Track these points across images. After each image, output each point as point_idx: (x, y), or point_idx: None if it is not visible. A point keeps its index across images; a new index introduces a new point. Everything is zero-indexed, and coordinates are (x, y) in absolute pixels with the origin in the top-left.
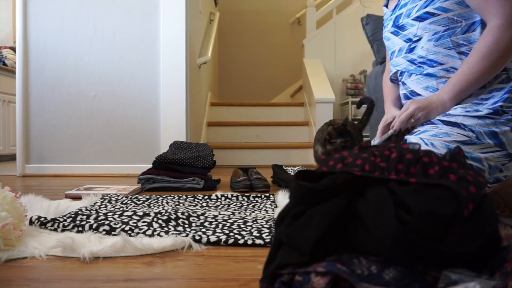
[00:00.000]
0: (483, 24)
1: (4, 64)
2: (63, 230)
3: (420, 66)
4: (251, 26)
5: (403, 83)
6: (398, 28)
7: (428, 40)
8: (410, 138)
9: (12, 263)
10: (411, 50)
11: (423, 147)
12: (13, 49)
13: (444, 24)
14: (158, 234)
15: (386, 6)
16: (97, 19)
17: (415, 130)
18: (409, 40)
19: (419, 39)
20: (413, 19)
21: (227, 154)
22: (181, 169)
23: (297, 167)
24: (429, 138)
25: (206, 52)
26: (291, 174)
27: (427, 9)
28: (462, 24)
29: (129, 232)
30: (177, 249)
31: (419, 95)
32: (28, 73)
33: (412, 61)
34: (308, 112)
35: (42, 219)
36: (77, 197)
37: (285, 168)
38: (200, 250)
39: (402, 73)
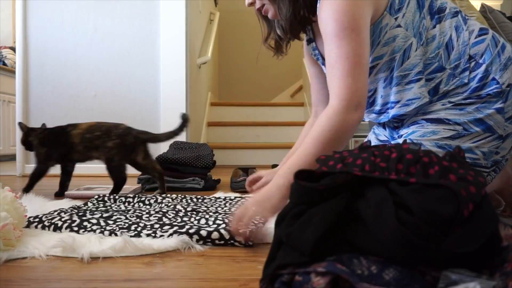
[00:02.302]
0: (415, 46)
1: (4, 64)
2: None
3: (386, 112)
4: (251, 26)
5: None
6: None
7: (384, 88)
8: (399, 141)
9: (12, 263)
10: (371, 104)
11: None
12: (13, 49)
13: (386, 68)
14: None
15: (324, 62)
16: (97, 19)
17: (402, 133)
18: None
19: (374, 91)
20: None
21: (227, 154)
22: (181, 169)
23: None
24: (417, 139)
25: (206, 52)
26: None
27: None
28: (397, 57)
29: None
30: (178, 249)
31: (404, 115)
32: (28, 73)
33: (378, 112)
34: (308, 112)
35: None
36: (77, 197)
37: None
38: (201, 250)
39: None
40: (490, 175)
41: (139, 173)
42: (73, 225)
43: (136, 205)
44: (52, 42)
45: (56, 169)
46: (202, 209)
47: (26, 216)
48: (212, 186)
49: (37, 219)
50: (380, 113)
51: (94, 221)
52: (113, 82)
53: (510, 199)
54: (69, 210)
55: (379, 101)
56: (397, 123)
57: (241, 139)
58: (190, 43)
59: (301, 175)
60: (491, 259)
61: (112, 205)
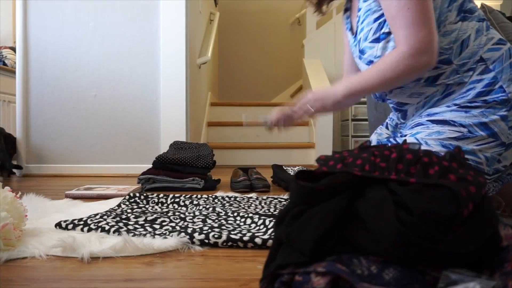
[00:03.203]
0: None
1: (4, 64)
2: (89, 230)
3: None
4: (251, 26)
5: (387, 99)
6: (360, 52)
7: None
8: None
9: (12, 263)
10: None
11: None
12: (13, 49)
13: None
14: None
15: (351, 30)
16: (97, 19)
17: (406, 133)
18: (371, 62)
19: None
20: (370, 42)
21: (227, 154)
22: (181, 169)
23: (297, 167)
24: (423, 137)
25: (206, 52)
26: (291, 174)
27: (382, 31)
28: None
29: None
30: (178, 249)
31: (406, 104)
32: (28, 73)
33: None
34: None
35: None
36: (77, 197)
37: (285, 168)
38: (201, 250)
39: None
40: (493, 185)
41: (139, 173)
42: (121, 230)
43: (171, 206)
44: (52, 42)
45: (56, 169)
46: (242, 211)
47: (26, 216)
48: (212, 186)
49: (81, 222)
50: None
51: (140, 224)
52: (113, 82)
53: (510, 199)
54: (109, 214)
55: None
56: (400, 114)
57: (241, 139)
58: (190, 43)
59: (301, 175)
60: (491, 259)
61: (147, 206)
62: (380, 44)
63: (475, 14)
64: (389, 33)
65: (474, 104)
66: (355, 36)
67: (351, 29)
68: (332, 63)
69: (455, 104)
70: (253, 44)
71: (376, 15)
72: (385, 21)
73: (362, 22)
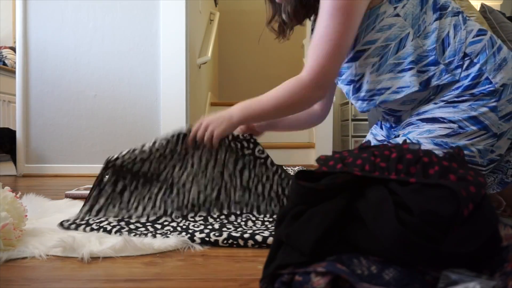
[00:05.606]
0: (411, 36)
1: (4, 64)
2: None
3: (371, 99)
4: (251, 26)
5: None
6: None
7: (370, 73)
8: (396, 139)
9: (12, 263)
10: (358, 89)
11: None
12: (13, 49)
13: (377, 54)
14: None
15: None
16: (97, 19)
17: (399, 133)
18: (351, 81)
19: (362, 76)
20: (346, 62)
21: None
22: None
23: (297, 167)
24: (414, 137)
25: (206, 52)
26: (291, 174)
27: (356, 49)
28: (391, 46)
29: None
30: (178, 249)
31: (399, 110)
32: (28, 73)
33: (362, 99)
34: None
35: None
36: (77, 197)
37: (285, 168)
38: (201, 250)
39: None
40: (488, 176)
41: None
42: (123, 230)
43: None
44: (52, 42)
45: (56, 169)
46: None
47: (26, 216)
48: None
49: (83, 222)
50: (364, 99)
51: (142, 223)
52: (113, 82)
53: (511, 199)
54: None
55: (365, 87)
56: (393, 118)
57: None
58: (190, 43)
59: (301, 175)
60: (491, 259)
61: None
62: (358, 62)
63: (449, 10)
64: (363, 50)
65: (461, 98)
66: None
67: None
68: None
69: (443, 101)
70: (253, 44)
71: None
72: (357, 38)
73: None
